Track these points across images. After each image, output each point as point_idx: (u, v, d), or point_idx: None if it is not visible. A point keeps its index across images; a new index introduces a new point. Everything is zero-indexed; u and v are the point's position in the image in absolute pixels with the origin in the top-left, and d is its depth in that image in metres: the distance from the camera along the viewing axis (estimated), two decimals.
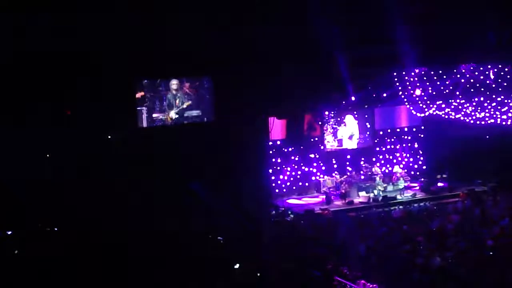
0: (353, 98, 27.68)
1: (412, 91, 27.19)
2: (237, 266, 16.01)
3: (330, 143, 28.97)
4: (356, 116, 29.15)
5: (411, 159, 30.32)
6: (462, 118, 27.06)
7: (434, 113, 27.56)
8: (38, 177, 21.42)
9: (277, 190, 27.75)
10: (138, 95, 24.26)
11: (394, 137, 30.19)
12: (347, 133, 29.07)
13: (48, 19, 20.91)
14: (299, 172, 28.50)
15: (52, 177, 21.64)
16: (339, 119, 28.92)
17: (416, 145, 30.41)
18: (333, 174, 28.48)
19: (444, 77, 26.98)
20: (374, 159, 29.53)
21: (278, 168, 27.97)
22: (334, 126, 28.90)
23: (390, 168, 29.46)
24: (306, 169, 28.63)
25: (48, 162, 22.36)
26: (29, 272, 15.85)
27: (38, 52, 21.26)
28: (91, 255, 16.38)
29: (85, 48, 21.59)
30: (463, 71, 26.97)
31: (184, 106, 24.88)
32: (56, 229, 20.10)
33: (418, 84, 27.15)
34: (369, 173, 28.58)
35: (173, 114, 24.91)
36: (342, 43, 24.45)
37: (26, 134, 21.49)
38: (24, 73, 21.40)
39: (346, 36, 23.98)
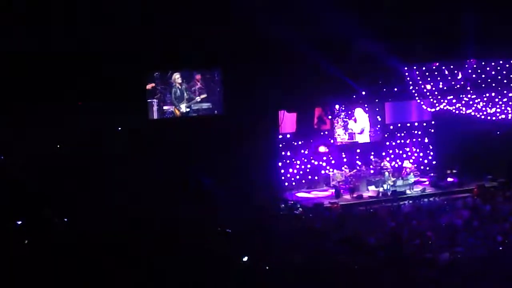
0: (363, 92, 27.76)
1: (422, 86, 27.16)
2: (245, 258, 16.01)
3: (340, 136, 28.91)
4: (366, 109, 29.08)
5: (421, 154, 30.25)
6: (473, 113, 27.01)
7: (445, 108, 27.50)
8: (50, 169, 21.56)
9: (286, 184, 27.78)
10: (149, 86, 24.38)
11: (404, 132, 30.12)
12: (357, 128, 29.00)
13: (64, 20, 21.18)
14: (308, 166, 28.49)
15: (63, 169, 21.77)
16: (349, 112, 28.85)
17: (426, 140, 30.34)
18: (343, 168, 28.47)
19: (456, 72, 26.94)
20: (384, 154, 29.49)
21: (288, 161, 27.97)
22: (345, 119, 28.83)
23: (400, 163, 29.42)
24: (316, 162, 28.62)
25: (59, 153, 22.51)
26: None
27: (53, 50, 21.53)
28: (100, 247, 16.40)
29: (98, 41, 21.76)
30: (475, 66, 26.92)
31: (198, 99, 24.93)
32: (66, 219, 20.17)
33: (429, 79, 27.12)
34: (379, 167, 28.53)
35: (183, 107, 24.95)
36: (353, 37, 24.47)
37: (38, 126, 21.67)
38: (40, 66, 21.65)
39: (357, 30, 23.99)
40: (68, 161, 22.10)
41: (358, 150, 29.28)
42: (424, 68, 27.23)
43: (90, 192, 21.20)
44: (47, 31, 21.23)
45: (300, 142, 28.24)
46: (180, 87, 24.92)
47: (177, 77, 24.88)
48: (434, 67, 27.21)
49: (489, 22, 24.47)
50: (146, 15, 22.26)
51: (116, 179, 22.08)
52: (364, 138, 29.25)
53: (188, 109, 25.03)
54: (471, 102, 26.97)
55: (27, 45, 21.25)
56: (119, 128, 23.75)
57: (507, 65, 26.56)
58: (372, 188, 27.44)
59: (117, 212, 19.62)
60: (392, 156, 29.68)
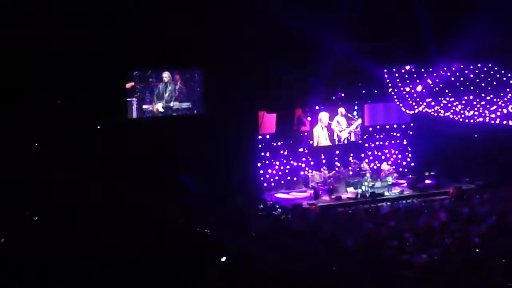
0: (342, 94, 27.91)
1: (402, 88, 27.30)
2: (223, 259, 16.00)
3: (321, 139, 29.03)
4: (346, 112, 29.21)
5: (400, 156, 30.43)
6: (451, 116, 27.14)
7: (424, 110, 27.65)
8: (29, 168, 21.40)
9: (265, 184, 27.83)
10: (128, 85, 24.29)
11: (383, 134, 30.27)
12: (344, 132, 29.26)
13: (42, 19, 21.03)
14: (287, 167, 28.56)
15: (43, 168, 21.63)
16: (329, 115, 28.99)
17: (404, 142, 30.54)
18: (322, 169, 28.54)
19: (434, 74, 27.10)
20: (362, 155, 29.62)
21: (267, 162, 28.02)
22: (329, 122, 29.00)
23: (378, 165, 29.55)
24: (295, 163, 28.69)
25: (39, 153, 22.36)
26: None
27: (30, 49, 21.37)
28: (74, 248, 16.31)
29: (77, 41, 21.63)
30: (453, 69, 27.07)
31: (171, 104, 24.89)
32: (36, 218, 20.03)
33: (408, 81, 27.27)
34: (358, 169, 28.65)
35: (159, 106, 24.90)
36: (332, 39, 24.52)
37: (16, 125, 21.51)
38: (17, 67, 21.49)
39: (336, 32, 24.04)
40: (47, 160, 21.96)
41: (337, 152, 29.39)
42: (403, 71, 27.36)
43: (68, 191, 21.09)
44: (24, 30, 21.07)
45: (279, 143, 28.30)
46: (165, 86, 24.86)
47: (165, 75, 24.84)
48: (413, 70, 27.35)
49: (467, 25, 24.61)
50: (126, 14, 22.17)
51: (95, 178, 21.97)
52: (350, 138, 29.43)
53: (163, 110, 24.94)
54: (449, 105, 27.10)
55: (4, 44, 21.07)
56: (98, 127, 23.64)
57: (485, 68, 26.72)
58: (350, 189, 27.52)
59: (95, 212, 19.52)
60: (371, 157, 29.82)
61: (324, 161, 29.07)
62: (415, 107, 27.83)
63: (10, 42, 20.98)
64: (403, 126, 30.48)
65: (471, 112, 26.61)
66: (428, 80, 27.13)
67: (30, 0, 21.27)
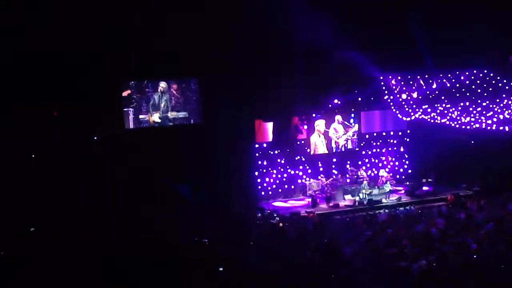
0: (339, 102, 27.94)
1: (398, 95, 27.35)
2: (221, 269, 16.00)
3: (318, 147, 29.05)
4: (343, 119, 29.25)
5: (397, 163, 30.44)
6: (447, 122, 27.17)
7: (420, 117, 27.68)
8: (26, 179, 21.40)
9: (263, 193, 27.80)
10: (125, 93, 24.30)
11: (380, 141, 30.29)
12: (341, 140, 29.28)
13: (36, 20, 20.99)
14: (285, 175, 28.54)
15: (39, 177, 21.62)
16: (326, 122, 29.03)
17: (401, 149, 30.54)
18: (319, 177, 28.53)
19: (430, 81, 27.17)
20: (360, 163, 29.63)
21: (264, 170, 28.00)
22: (326, 130, 29.04)
23: (375, 172, 29.56)
24: (292, 172, 28.68)
25: (35, 162, 22.35)
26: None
27: (25, 52, 21.32)
28: (73, 255, 16.31)
29: (73, 49, 21.63)
30: (449, 75, 27.13)
31: (168, 114, 24.90)
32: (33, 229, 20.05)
33: (404, 88, 27.31)
34: (355, 176, 28.65)
35: (156, 117, 24.91)
36: (329, 47, 24.59)
37: (13, 134, 21.49)
38: (11, 73, 21.44)
39: (334, 41, 24.12)
40: (44, 171, 21.95)
41: (335, 159, 29.39)
42: (399, 78, 27.42)
43: (65, 201, 21.08)
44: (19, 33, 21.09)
45: (276, 152, 28.30)
46: (160, 95, 24.88)
47: (162, 85, 24.87)
48: (409, 77, 27.40)
49: (462, 32, 24.69)
50: (124, 24, 22.20)
51: (92, 188, 21.96)
52: (348, 145, 29.46)
53: (159, 120, 24.96)
54: (445, 112, 27.14)
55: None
56: (95, 138, 23.64)
57: (481, 75, 26.78)
58: (348, 197, 27.50)
59: (92, 221, 19.51)
60: (368, 165, 29.83)
61: (321, 169, 29.06)
62: (412, 114, 27.87)
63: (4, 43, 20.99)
64: (400, 133, 30.51)
65: (468, 119, 26.64)
66: (424, 87, 27.19)
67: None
